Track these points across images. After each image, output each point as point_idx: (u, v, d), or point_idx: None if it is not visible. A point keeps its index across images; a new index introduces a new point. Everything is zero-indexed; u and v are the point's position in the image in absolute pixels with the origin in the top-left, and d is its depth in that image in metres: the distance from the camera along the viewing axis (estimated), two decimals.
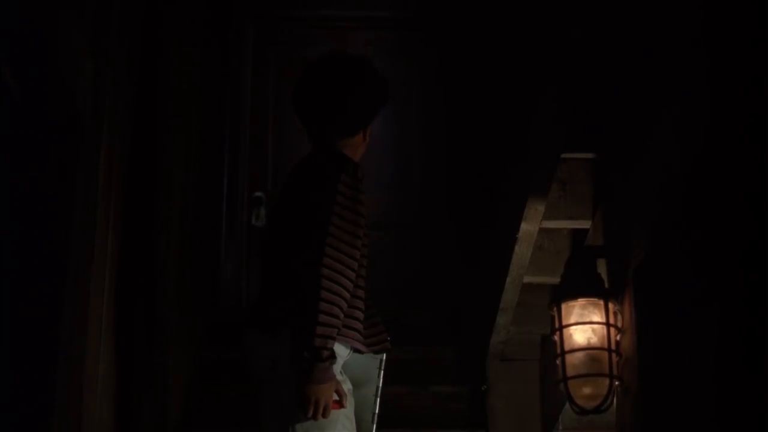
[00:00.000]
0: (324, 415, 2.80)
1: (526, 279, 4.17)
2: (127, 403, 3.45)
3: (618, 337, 3.50)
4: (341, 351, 2.93)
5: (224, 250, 5.76)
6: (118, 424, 3.36)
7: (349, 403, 2.98)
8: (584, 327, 3.55)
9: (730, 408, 2.52)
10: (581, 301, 3.57)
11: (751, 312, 2.39)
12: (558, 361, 3.59)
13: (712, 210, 2.65)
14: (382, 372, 3.09)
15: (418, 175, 6.13)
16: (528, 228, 3.87)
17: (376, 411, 3.08)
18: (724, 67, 2.63)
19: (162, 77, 4.04)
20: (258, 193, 5.79)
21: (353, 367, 3.04)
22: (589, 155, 3.75)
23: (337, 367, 2.90)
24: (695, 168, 2.79)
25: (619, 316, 3.49)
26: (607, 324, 3.50)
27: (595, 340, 3.53)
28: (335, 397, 2.85)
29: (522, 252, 3.99)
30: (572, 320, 3.57)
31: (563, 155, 3.70)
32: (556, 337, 3.61)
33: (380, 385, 3.08)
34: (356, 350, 3.00)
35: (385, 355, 3.12)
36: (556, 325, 3.61)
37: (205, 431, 4.56)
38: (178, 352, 4.31)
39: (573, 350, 3.55)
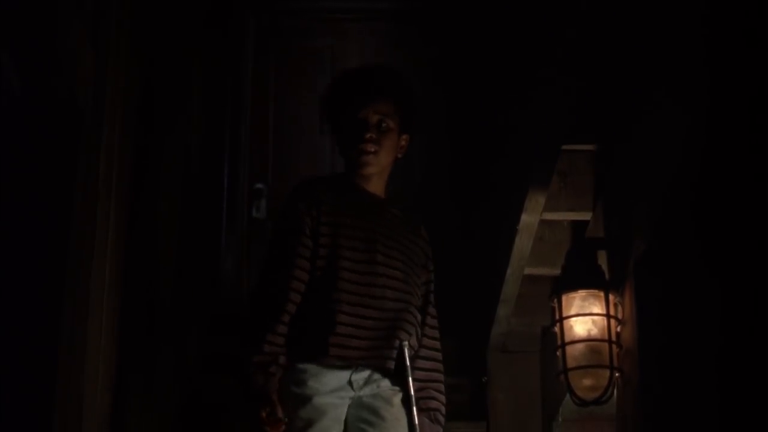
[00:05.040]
0: None
1: (527, 271, 4.17)
2: (128, 395, 3.45)
3: (618, 329, 3.50)
4: (306, 367, 2.94)
5: (225, 242, 5.75)
6: (118, 416, 3.36)
7: None
8: (585, 318, 3.55)
9: (731, 399, 2.52)
10: (582, 292, 3.57)
11: (752, 303, 2.39)
12: (558, 353, 3.60)
13: (714, 201, 2.65)
14: (414, 409, 3.01)
15: (419, 167, 6.10)
16: (528, 219, 3.87)
17: None
18: (724, 56, 2.62)
19: (163, 68, 4.03)
20: (259, 185, 5.78)
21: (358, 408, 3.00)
22: (590, 147, 3.75)
23: (305, 384, 2.91)
24: (697, 160, 2.78)
25: (620, 308, 3.49)
26: (608, 315, 3.50)
27: (595, 332, 3.53)
28: (278, 415, 2.85)
29: (522, 244, 3.99)
30: (573, 312, 3.57)
31: (564, 147, 3.70)
32: (557, 329, 3.61)
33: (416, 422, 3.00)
34: (339, 359, 2.97)
35: (410, 385, 3.06)
36: (557, 317, 3.62)
37: (205, 423, 4.57)
38: (178, 343, 4.31)
39: (573, 342, 3.56)
